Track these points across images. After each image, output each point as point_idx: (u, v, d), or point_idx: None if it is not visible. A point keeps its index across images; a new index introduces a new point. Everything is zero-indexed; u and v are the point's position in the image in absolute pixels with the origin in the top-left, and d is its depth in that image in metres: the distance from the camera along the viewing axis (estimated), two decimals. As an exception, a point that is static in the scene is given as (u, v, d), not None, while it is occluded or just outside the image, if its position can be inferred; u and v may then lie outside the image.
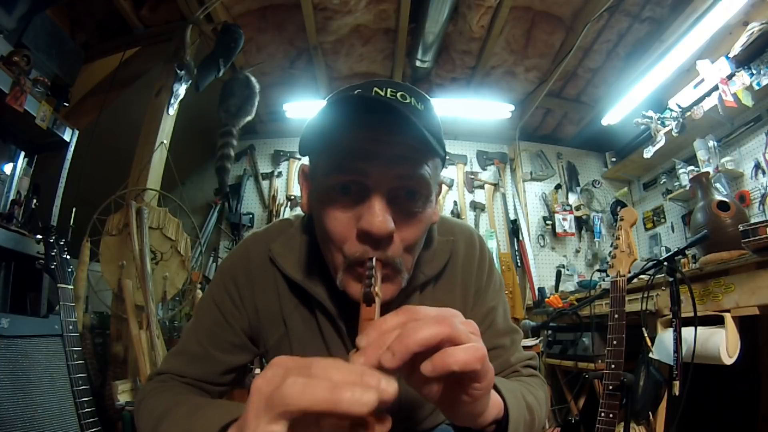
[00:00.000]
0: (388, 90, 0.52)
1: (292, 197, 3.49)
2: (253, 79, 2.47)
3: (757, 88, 2.18)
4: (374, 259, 0.50)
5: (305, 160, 0.61)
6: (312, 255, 0.65)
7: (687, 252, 1.70)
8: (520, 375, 0.68)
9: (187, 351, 0.67)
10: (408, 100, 0.52)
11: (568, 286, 3.24)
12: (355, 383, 0.28)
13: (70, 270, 1.26)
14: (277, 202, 3.47)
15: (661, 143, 2.87)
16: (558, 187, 3.68)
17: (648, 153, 3.01)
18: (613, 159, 3.60)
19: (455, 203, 3.57)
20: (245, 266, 0.68)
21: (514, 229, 3.50)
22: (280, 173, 3.59)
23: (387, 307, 0.46)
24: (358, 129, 0.50)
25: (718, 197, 1.65)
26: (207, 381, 0.66)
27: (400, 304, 0.58)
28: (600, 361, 1.98)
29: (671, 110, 2.76)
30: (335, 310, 0.63)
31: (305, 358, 0.31)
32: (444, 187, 3.53)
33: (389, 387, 0.28)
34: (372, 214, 0.49)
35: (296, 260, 0.65)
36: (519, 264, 3.44)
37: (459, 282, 0.69)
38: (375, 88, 0.52)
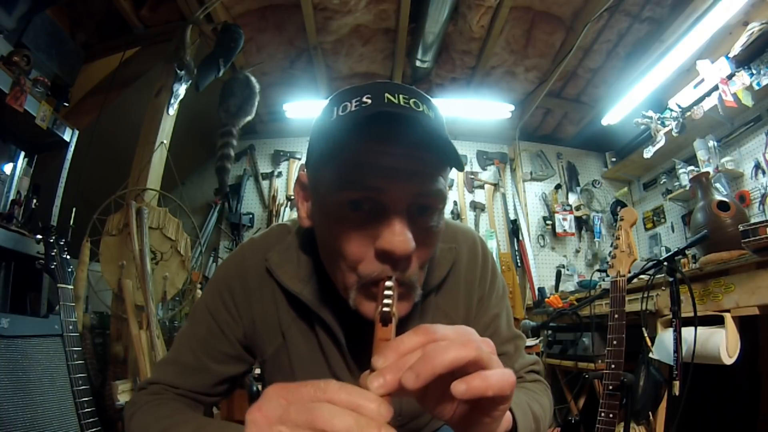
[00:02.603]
0: (401, 96, 0.48)
1: (292, 197, 3.48)
2: (253, 79, 2.47)
3: (757, 88, 2.18)
4: (393, 278, 0.47)
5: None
6: (311, 266, 0.63)
7: (687, 252, 1.70)
8: (524, 381, 0.67)
9: (180, 361, 0.65)
10: (421, 108, 0.48)
11: (568, 286, 3.24)
12: None
13: (70, 270, 1.26)
14: (277, 202, 3.47)
15: (661, 143, 2.87)
16: (558, 187, 3.68)
17: (648, 153, 3.01)
18: (613, 159, 3.60)
19: (455, 203, 3.57)
20: (242, 275, 0.65)
21: (514, 229, 3.50)
22: (280, 173, 3.59)
23: None
24: (370, 141, 0.47)
25: (718, 197, 1.65)
26: (201, 392, 0.65)
27: (400, 315, 0.57)
28: (600, 361, 1.98)
29: (671, 110, 2.76)
30: (336, 325, 0.60)
31: (302, 389, 0.31)
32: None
33: None
34: (393, 234, 0.46)
35: (294, 271, 0.63)
36: (519, 264, 3.44)
37: (462, 290, 0.68)
38: (387, 94, 0.48)
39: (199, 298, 0.70)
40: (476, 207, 3.61)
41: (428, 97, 0.52)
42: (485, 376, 0.33)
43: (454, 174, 3.62)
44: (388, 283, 0.46)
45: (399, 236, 0.46)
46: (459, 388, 0.32)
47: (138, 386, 0.65)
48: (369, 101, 0.47)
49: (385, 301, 0.43)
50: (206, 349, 0.64)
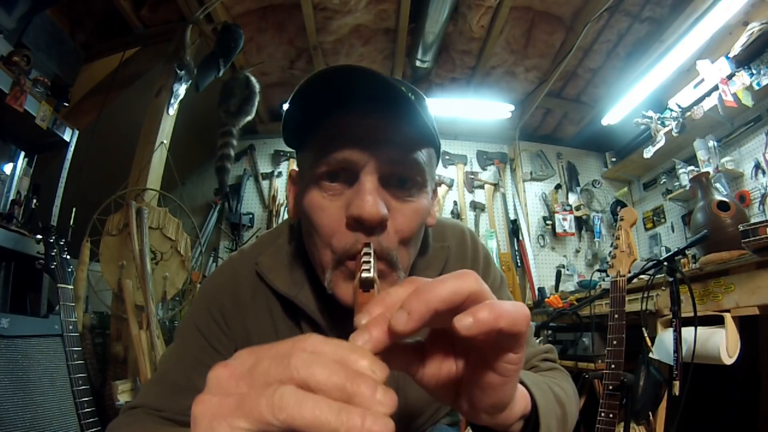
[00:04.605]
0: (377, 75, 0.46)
1: (292, 197, 3.48)
2: (253, 79, 2.47)
3: (757, 88, 2.18)
4: (371, 244, 0.45)
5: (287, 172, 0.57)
6: (305, 270, 0.60)
7: (687, 252, 1.71)
8: (539, 369, 0.62)
9: (168, 381, 0.59)
10: (399, 85, 0.46)
11: (568, 286, 3.24)
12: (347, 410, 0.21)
13: (70, 270, 1.26)
14: (277, 202, 3.47)
15: (661, 143, 2.87)
16: (558, 187, 3.68)
17: (648, 153, 3.01)
18: (613, 159, 3.60)
19: (455, 203, 3.56)
20: (233, 290, 0.62)
21: (514, 229, 3.50)
22: (280, 173, 3.59)
23: None
24: (343, 112, 0.46)
25: (718, 197, 1.65)
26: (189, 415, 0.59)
27: None
28: (600, 361, 1.98)
29: (671, 110, 2.76)
30: (330, 331, 0.58)
31: (278, 345, 0.24)
32: (444, 187, 3.53)
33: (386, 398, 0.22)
34: (362, 198, 0.45)
35: (287, 275, 0.60)
36: (519, 264, 3.44)
37: None
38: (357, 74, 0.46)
39: (186, 315, 0.65)
40: (476, 207, 3.60)
41: (411, 85, 0.51)
42: (493, 305, 0.27)
43: (454, 174, 3.62)
44: (366, 250, 0.44)
45: (367, 201, 0.45)
46: (464, 321, 0.26)
47: (122, 410, 0.60)
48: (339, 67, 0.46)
49: (364, 266, 0.40)
50: (198, 368, 0.59)
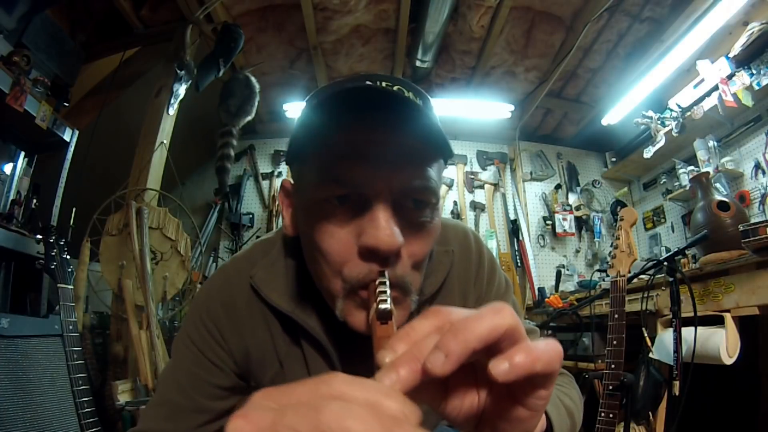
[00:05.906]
0: (384, 83, 0.45)
1: (292, 197, 3.49)
2: (253, 79, 2.47)
3: (757, 88, 2.18)
4: (386, 272, 0.42)
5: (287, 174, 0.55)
6: (300, 280, 0.57)
7: (687, 252, 1.71)
8: None
9: (168, 402, 0.58)
10: (407, 95, 0.44)
11: (568, 286, 3.24)
12: None
13: (70, 270, 1.26)
14: (277, 202, 3.47)
15: (661, 143, 2.87)
16: (558, 187, 3.69)
17: (648, 153, 3.01)
18: (613, 159, 3.60)
19: (455, 203, 3.57)
20: (226, 301, 0.59)
21: (514, 229, 3.50)
22: (280, 173, 3.59)
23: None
24: (352, 128, 0.43)
25: (718, 197, 1.65)
26: None
27: (396, 323, 0.51)
28: (600, 361, 1.98)
29: (671, 110, 2.76)
30: (331, 346, 0.56)
31: (299, 387, 0.22)
32: (444, 187, 3.53)
33: None
34: (377, 227, 0.42)
35: (284, 289, 0.57)
36: (519, 264, 3.44)
37: (457, 294, 0.62)
38: (368, 82, 0.45)
39: (180, 330, 0.63)
40: (476, 207, 3.61)
41: (419, 88, 0.49)
42: (529, 347, 0.26)
43: (454, 174, 3.62)
44: (380, 279, 0.42)
45: (384, 230, 0.42)
46: (500, 367, 0.25)
47: None
48: (349, 86, 0.44)
49: (380, 297, 0.39)
50: (197, 385, 0.58)
